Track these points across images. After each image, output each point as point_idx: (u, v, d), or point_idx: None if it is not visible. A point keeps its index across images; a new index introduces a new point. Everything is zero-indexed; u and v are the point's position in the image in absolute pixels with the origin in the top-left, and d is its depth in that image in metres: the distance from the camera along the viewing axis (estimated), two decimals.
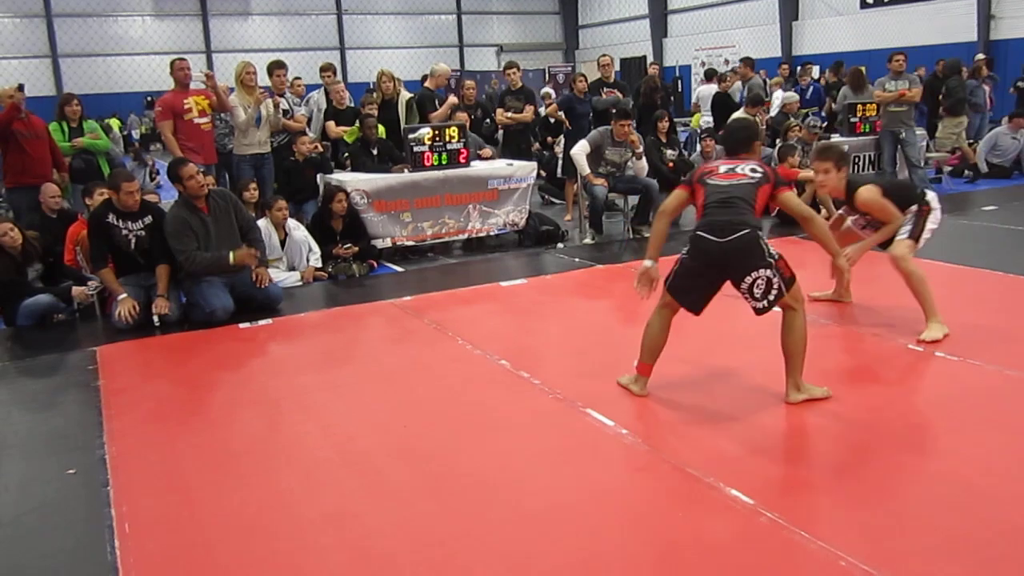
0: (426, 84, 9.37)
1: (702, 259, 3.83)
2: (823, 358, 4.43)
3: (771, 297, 3.72)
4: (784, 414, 3.82)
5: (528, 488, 3.21)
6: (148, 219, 5.84)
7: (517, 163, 8.30)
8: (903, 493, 3.04)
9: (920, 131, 10.45)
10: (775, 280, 3.69)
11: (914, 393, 4.20)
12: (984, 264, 6.57)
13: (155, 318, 5.66)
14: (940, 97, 11.79)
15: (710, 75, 13.34)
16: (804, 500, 3.01)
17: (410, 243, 7.63)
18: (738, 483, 3.09)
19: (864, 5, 23.24)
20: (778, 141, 9.62)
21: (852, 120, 9.99)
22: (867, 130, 9.96)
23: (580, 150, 7.96)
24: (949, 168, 11.75)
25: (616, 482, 3.24)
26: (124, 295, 5.66)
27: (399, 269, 7.33)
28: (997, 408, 3.78)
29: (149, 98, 23.70)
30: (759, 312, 3.80)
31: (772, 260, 3.69)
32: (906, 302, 4.95)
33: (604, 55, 10.10)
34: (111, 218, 5.75)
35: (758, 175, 3.87)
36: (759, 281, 3.69)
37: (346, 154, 8.13)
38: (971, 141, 12.57)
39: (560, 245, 7.96)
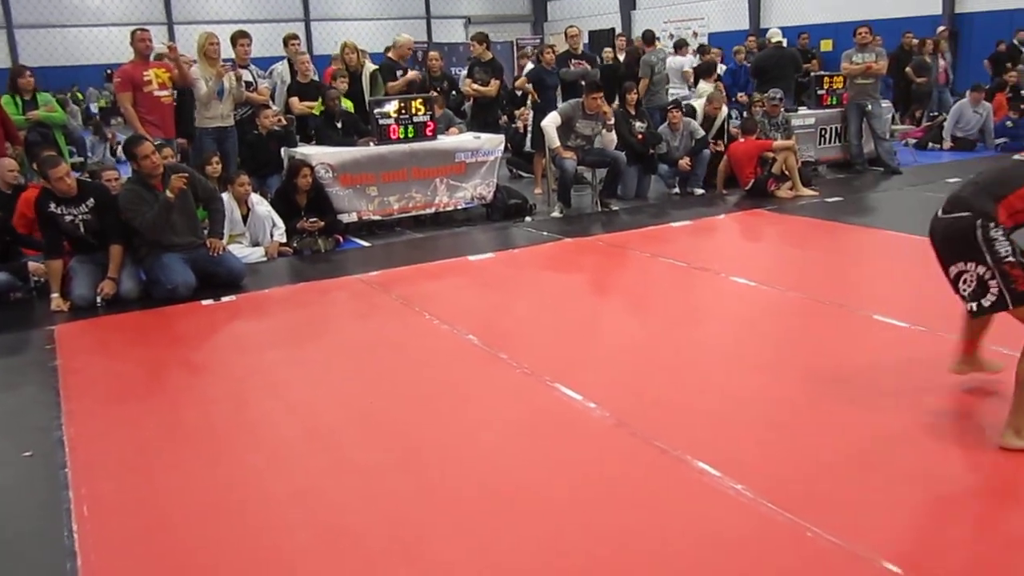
0: (388, 55, 9.23)
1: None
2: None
3: (984, 302, 3.06)
4: (755, 387, 3.82)
5: (496, 464, 3.19)
6: (91, 202, 5.67)
7: (485, 136, 8.21)
8: (876, 463, 3.05)
9: (886, 104, 10.50)
10: (993, 284, 3.02)
11: (881, 361, 4.20)
12: None
13: (98, 299, 5.54)
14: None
15: (679, 46, 13.29)
16: (772, 473, 3.01)
17: (377, 217, 7.54)
18: (705, 456, 3.09)
19: None
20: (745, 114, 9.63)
21: (819, 92, 10.02)
22: (834, 103, 9.99)
23: (550, 122, 7.89)
24: (914, 140, 11.85)
25: (584, 456, 3.22)
26: (55, 295, 5.53)
27: (365, 244, 7.24)
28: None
29: (109, 71, 23.16)
30: (971, 314, 3.23)
31: (991, 259, 2.99)
32: None
33: (572, 26, 10.00)
34: (52, 206, 5.58)
35: None
36: (967, 277, 3.08)
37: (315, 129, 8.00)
38: (935, 114, 12.69)
39: (528, 219, 7.91)
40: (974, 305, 3.11)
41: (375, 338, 4.83)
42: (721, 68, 12.43)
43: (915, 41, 13.68)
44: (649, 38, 10.75)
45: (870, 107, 9.68)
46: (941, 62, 13.86)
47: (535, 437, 3.41)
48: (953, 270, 3.14)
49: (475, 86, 9.25)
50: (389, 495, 2.96)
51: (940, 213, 3.18)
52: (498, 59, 9.93)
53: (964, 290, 3.11)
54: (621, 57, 11.57)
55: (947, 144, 11.65)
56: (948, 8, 20.33)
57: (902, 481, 2.90)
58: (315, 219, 6.89)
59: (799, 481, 2.94)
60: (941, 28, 16.63)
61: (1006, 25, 17.05)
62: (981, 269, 3.02)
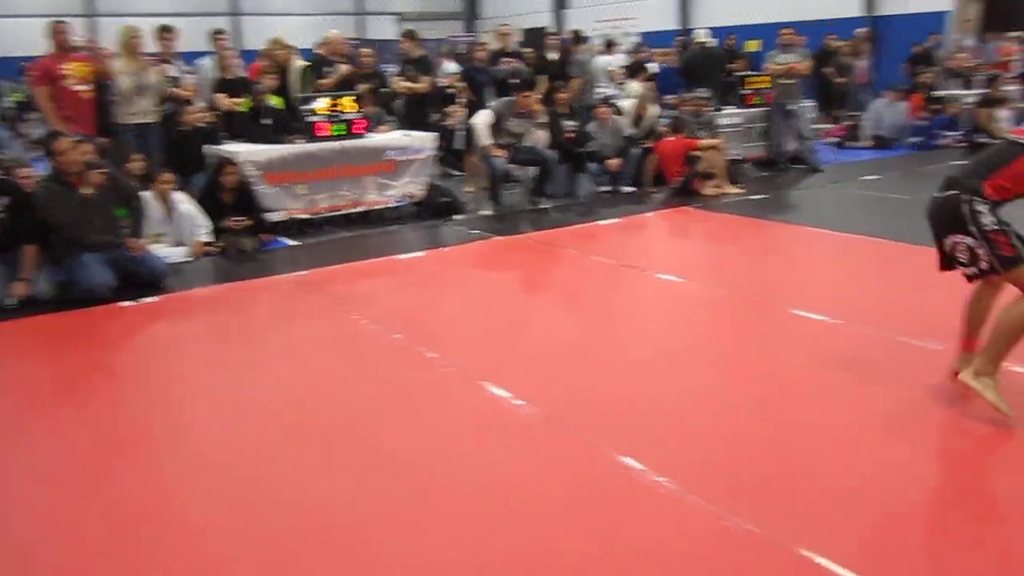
0: (318, 51, 9.13)
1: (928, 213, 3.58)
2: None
3: (981, 266, 3.32)
4: (681, 382, 3.90)
5: (424, 462, 3.19)
6: (5, 200, 5.48)
7: (415, 134, 8.18)
8: (801, 453, 3.14)
9: (808, 103, 10.78)
10: (981, 252, 3.28)
11: (797, 355, 4.31)
12: (866, 231, 6.84)
13: (11, 300, 5.36)
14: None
15: (609, 45, 13.43)
16: (697, 465, 3.07)
17: (305, 216, 7.44)
18: (632, 451, 3.14)
19: None
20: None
21: (744, 92, 10.23)
22: (759, 102, 10.22)
23: (482, 120, 7.90)
24: (834, 139, 12.21)
25: (511, 453, 3.24)
26: None
27: (294, 243, 7.14)
28: (878, 369, 3.94)
29: (24, 64, 22.31)
30: (968, 278, 3.48)
31: (976, 230, 3.28)
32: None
33: (504, 24, 10.06)
34: None
35: None
36: (960, 248, 3.36)
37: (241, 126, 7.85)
38: (855, 113, 13.07)
39: (459, 217, 7.91)
40: (970, 272, 3.38)
41: (303, 339, 4.78)
42: (653, 67, 12.60)
43: (837, 43, 14.07)
44: (577, 38, 10.85)
45: (793, 106, 9.94)
46: (860, 63, 14.29)
47: (463, 435, 3.42)
48: (948, 242, 3.42)
49: (406, 83, 9.21)
50: (320, 499, 2.94)
51: (935, 193, 3.48)
52: (430, 56, 9.91)
53: (961, 259, 3.38)
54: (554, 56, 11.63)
55: (866, 142, 12.03)
56: (868, 10, 20.97)
57: (826, 471, 3.00)
58: (241, 218, 6.77)
59: (725, 473, 3.02)
60: (861, 30, 17.15)
61: (922, 28, 17.65)
62: (970, 240, 3.30)
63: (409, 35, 9.52)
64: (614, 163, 8.77)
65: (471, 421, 3.55)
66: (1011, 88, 12.92)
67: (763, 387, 3.82)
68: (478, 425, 3.50)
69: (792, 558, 2.47)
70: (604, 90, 11.37)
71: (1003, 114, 11.53)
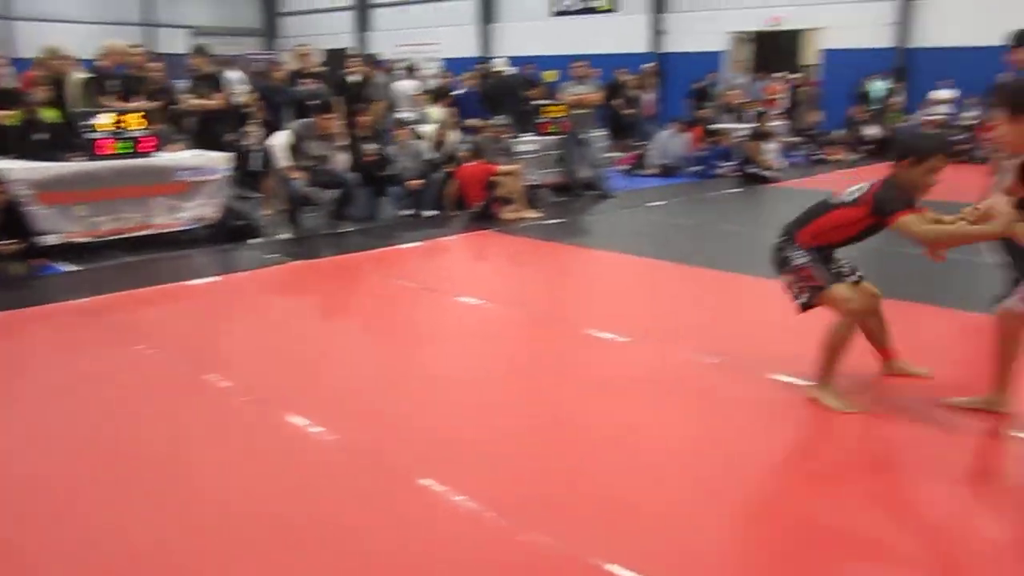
0: (97, 63, 8.58)
1: None
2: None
3: (803, 299, 3.89)
4: (484, 402, 3.97)
5: (221, 493, 3.06)
6: None
7: (209, 153, 7.86)
8: (600, 464, 3.28)
9: (599, 133, 11.36)
10: (800, 286, 3.88)
11: (592, 373, 4.52)
12: (653, 254, 7.30)
13: None
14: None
15: (411, 70, 13.55)
16: (495, 483, 3.14)
17: (85, 239, 6.94)
18: (432, 473, 3.16)
19: (553, 13, 24.82)
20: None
21: (539, 121, 10.63)
22: (554, 131, 10.65)
23: (280, 142, 7.73)
24: (625, 167, 12.94)
25: (310, 481, 3.17)
26: None
27: (72, 268, 6.64)
28: (666, 385, 4.20)
29: None
30: (800, 309, 3.94)
31: (790, 269, 3.90)
32: None
33: (304, 45, 9.93)
34: None
35: (847, 197, 3.81)
36: (788, 284, 3.95)
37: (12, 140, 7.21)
38: (642, 143, 13.91)
39: (256, 240, 7.66)
40: (798, 303, 3.92)
41: (81, 373, 4.43)
42: (460, 91, 12.84)
43: (626, 76, 14.97)
44: (375, 61, 10.86)
45: (586, 136, 10.45)
46: (647, 96, 15.27)
47: (261, 465, 3.31)
48: (782, 280, 3.99)
49: (197, 100, 8.84)
50: (93, 543, 2.75)
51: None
52: (216, 73, 9.56)
53: (791, 293, 3.93)
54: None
55: (652, 170, 12.83)
56: (655, 47, 22.45)
57: (622, 484, 3.15)
58: (9, 241, 6.21)
59: (524, 490, 3.10)
60: (647, 65, 18.32)
61: (702, 66, 19.09)
62: (790, 277, 3.92)
63: (199, 51, 9.15)
64: (415, 183, 8.83)
65: (268, 451, 3.44)
66: (776, 123, 14.28)
67: (560, 405, 3.97)
68: (276, 455, 3.40)
69: (590, 570, 2.58)
70: (406, 114, 11.45)
71: (770, 147, 12.70)
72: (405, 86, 12.21)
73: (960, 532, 2.92)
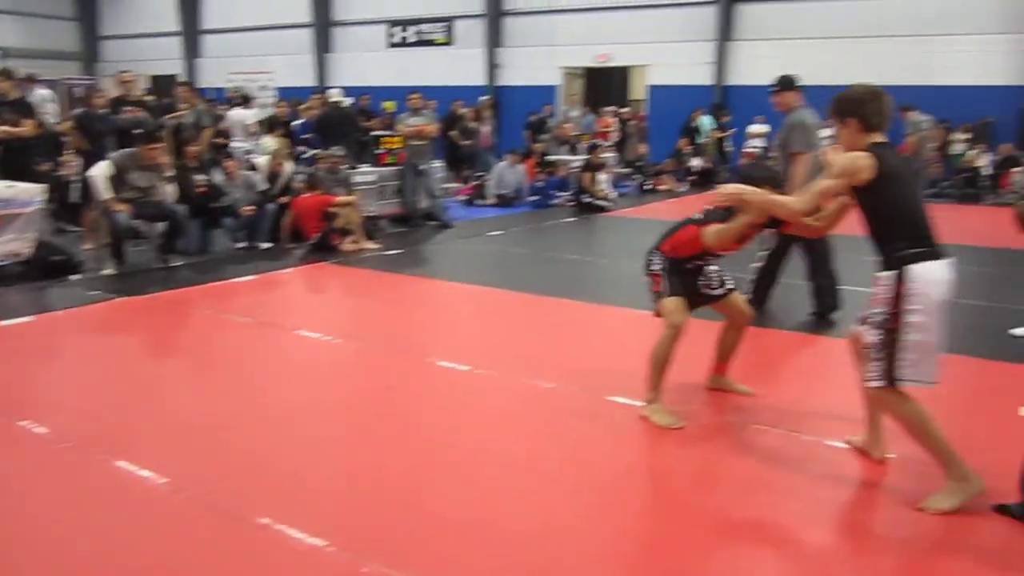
0: None
1: None
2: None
3: (653, 305, 4.18)
4: (324, 439, 3.91)
5: (47, 545, 2.85)
6: None
7: (20, 185, 7.34)
8: (430, 493, 3.30)
9: (438, 163, 11.47)
10: (651, 291, 4.18)
11: (432, 403, 4.54)
12: (493, 283, 7.43)
13: None
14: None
15: (245, 99, 13.20)
16: (335, 515, 3.10)
17: None
18: (269, 511, 3.08)
19: (391, 44, 24.91)
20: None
21: (378, 152, 10.63)
22: (392, 161, 10.67)
23: (100, 172, 7.33)
24: (463, 197, 13.11)
25: (142, 528, 3.01)
26: None
27: None
28: (510, 411, 4.28)
29: None
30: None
31: (648, 271, 4.20)
32: None
33: (126, 71, 9.50)
34: None
35: (699, 215, 4.08)
36: (648, 288, 4.22)
37: None
38: (480, 174, 14.15)
39: (76, 277, 7.21)
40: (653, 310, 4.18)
41: None
42: (299, 122, 12.65)
43: (463, 108, 15.21)
44: (202, 89, 10.54)
45: (424, 166, 10.52)
46: (484, 128, 15.57)
47: (88, 514, 3.12)
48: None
49: (4, 128, 8.26)
50: None
51: None
52: (27, 98, 8.99)
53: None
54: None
55: (491, 200, 13.07)
56: (491, 80, 22.94)
57: (461, 511, 3.18)
58: None
59: (364, 521, 3.08)
60: (484, 98, 18.69)
61: (538, 99, 19.68)
62: (648, 279, 4.20)
63: (6, 74, 8.57)
64: (247, 210, 8.59)
65: (94, 499, 3.25)
66: (608, 155, 14.90)
67: (402, 435, 3.97)
68: (102, 503, 3.22)
69: None
70: (240, 144, 11.16)
71: (602, 177, 13.22)
72: (241, 115, 11.90)
73: (771, 535, 3.15)
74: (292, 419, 4.17)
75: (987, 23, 17.28)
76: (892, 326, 3.12)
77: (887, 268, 3.15)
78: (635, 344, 4.22)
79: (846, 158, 3.23)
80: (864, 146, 3.22)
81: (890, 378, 3.16)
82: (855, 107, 3.26)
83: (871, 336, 3.22)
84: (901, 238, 3.14)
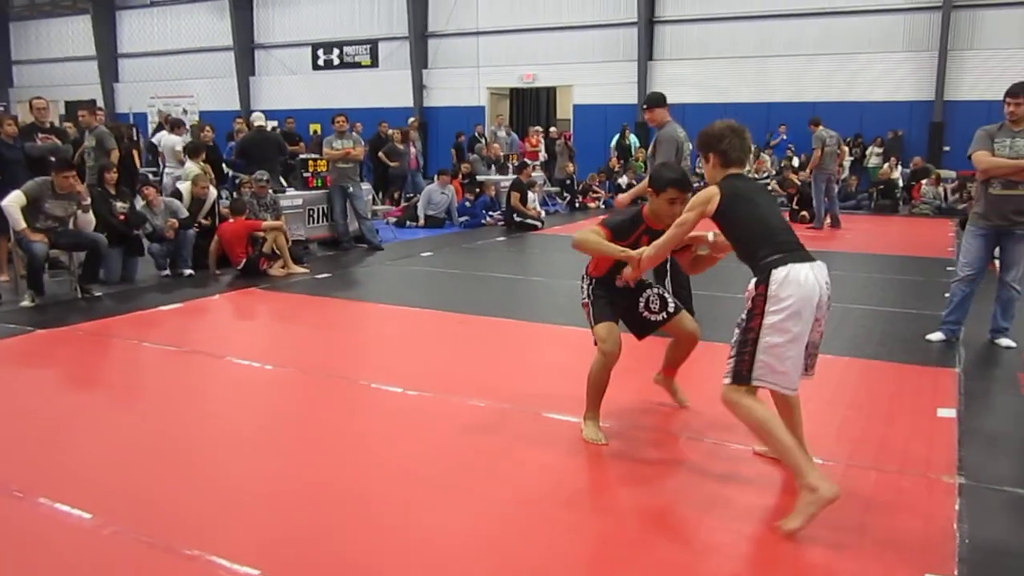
0: None
1: None
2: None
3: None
4: (257, 469, 3.83)
5: None
6: None
7: None
8: (361, 523, 3.26)
9: (366, 186, 11.42)
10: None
11: (369, 426, 4.50)
12: (424, 304, 7.41)
13: None
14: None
15: (176, 124, 12.92)
16: (278, 547, 3.04)
17: None
18: (202, 544, 3.01)
19: (316, 67, 24.77)
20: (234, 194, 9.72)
21: (305, 175, 10.53)
22: (319, 184, 10.58)
23: (13, 202, 7.08)
24: (393, 219, 13.06)
25: (69, 570, 2.91)
26: None
27: None
28: (445, 430, 4.27)
29: None
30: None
31: (582, 300, 4.22)
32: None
33: (39, 97, 9.20)
34: None
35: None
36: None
37: None
38: (410, 195, 14.15)
39: None
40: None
41: None
42: (231, 145, 12.46)
43: (389, 130, 15.19)
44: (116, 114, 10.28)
45: (352, 189, 10.46)
46: (412, 149, 15.57)
47: (9, 556, 2.99)
48: None
49: None
50: None
51: None
52: None
53: None
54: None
55: (421, 222, 13.06)
56: (417, 101, 22.97)
57: (390, 536, 3.15)
58: None
59: (312, 555, 3.03)
60: (412, 119, 18.72)
61: (466, 119, 19.79)
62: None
63: None
64: (170, 233, 8.36)
65: (15, 538, 3.12)
66: (536, 174, 15.05)
67: (336, 461, 3.92)
68: (24, 542, 3.09)
69: None
70: (172, 170, 10.95)
71: (531, 196, 13.33)
72: (171, 141, 11.65)
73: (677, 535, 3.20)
74: (222, 449, 4.09)
75: (897, 42, 18.08)
76: (752, 325, 3.17)
77: (755, 276, 3.24)
78: (570, 361, 4.26)
79: (697, 195, 3.44)
80: (719, 179, 3.39)
81: (742, 377, 3.19)
82: (714, 143, 3.41)
83: (734, 337, 3.28)
84: (762, 248, 3.24)
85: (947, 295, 6.18)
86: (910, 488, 3.57)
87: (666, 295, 4.33)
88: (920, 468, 3.75)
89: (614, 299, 4.15)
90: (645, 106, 6.86)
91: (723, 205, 3.32)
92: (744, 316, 3.23)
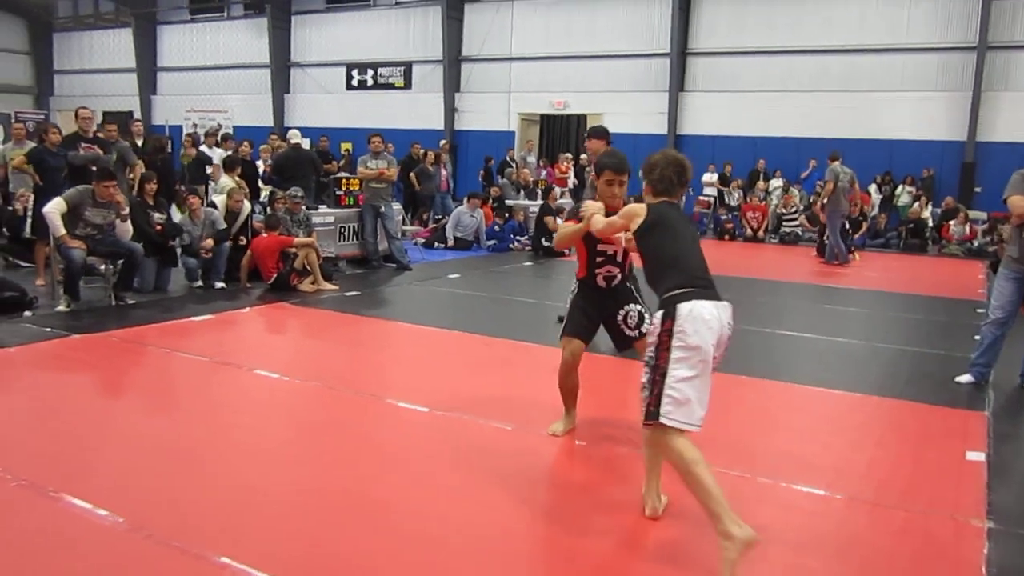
0: None
1: None
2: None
3: None
4: (278, 478, 3.88)
5: None
6: None
7: None
8: (381, 535, 3.30)
9: (397, 206, 11.54)
10: None
11: (390, 444, 4.54)
12: (450, 325, 7.46)
13: None
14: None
15: (224, 139, 13.14)
16: (297, 556, 3.08)
17: None
18: (228, 550, 3.06)
19: (350, 87, 25.09)
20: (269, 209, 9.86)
21: (338, 193, 10.67)
22: (351, 203, 10.71)
23: (54, 208, 7.25)
24: (422, 240, 13.16)
25: (94, 569, 2.97)
26: None
27: None
28: (466, 451, 4.30)
29: None
30: None
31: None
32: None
33: (83, 107, 9.40)
34: None
35: None
36: None
37: None
38: (439, 217, 14.26)
39: (28, 314, 7.09)
40: None
41: None
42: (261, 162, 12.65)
43: (421, 151, 15.35)
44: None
45: (383, 208, 10.57)
46: (443, 171, 15.71)
47: (41, 557, 3.05)
48: None
49: None
50: None
51: None
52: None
53: None
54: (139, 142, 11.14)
55: (450, 243, 13.15)
56: (449, 125, 23.18)
57: (406, 548, 3.19)
58: None
59: (322, 561, 3.06)
60: (443, 142, 18.90)
61: (497, 144, 19.93)
62: None
63: None
64: (206, 243, 8.52)
65: (48, 538, 3.18)
66: (565, 200, 15.11)
67: (357, 476, 3.96)
68: (57, 542, 3.15)
69: None
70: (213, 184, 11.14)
71: (560, 222, 13.38)
72: (220, 155, 11.87)
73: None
74: (249, 459, 4.14)
75: (931, 81, 18.03)
76: (659, 363, 3.14)
77: (659, 308, 3.22)
78: (597, 384, 4.29)
79: (630, 206, 3.57)
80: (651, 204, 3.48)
81: (651, 414, 3.12)
82: (647, 172, 3.51)
83: (643, 376, 3.24)
84: (672, 278, 3.23)
85: (977, 337, 6.14)
86: (938, 530, 3.55)
87: (645, 314, 4.38)
88: (948, 510, 3.73)
89: (593, 308, 4.41)
90: (587, 136, 6.99)
91: (645, 227, 3.39)
92: (651, 353, 3.19)
